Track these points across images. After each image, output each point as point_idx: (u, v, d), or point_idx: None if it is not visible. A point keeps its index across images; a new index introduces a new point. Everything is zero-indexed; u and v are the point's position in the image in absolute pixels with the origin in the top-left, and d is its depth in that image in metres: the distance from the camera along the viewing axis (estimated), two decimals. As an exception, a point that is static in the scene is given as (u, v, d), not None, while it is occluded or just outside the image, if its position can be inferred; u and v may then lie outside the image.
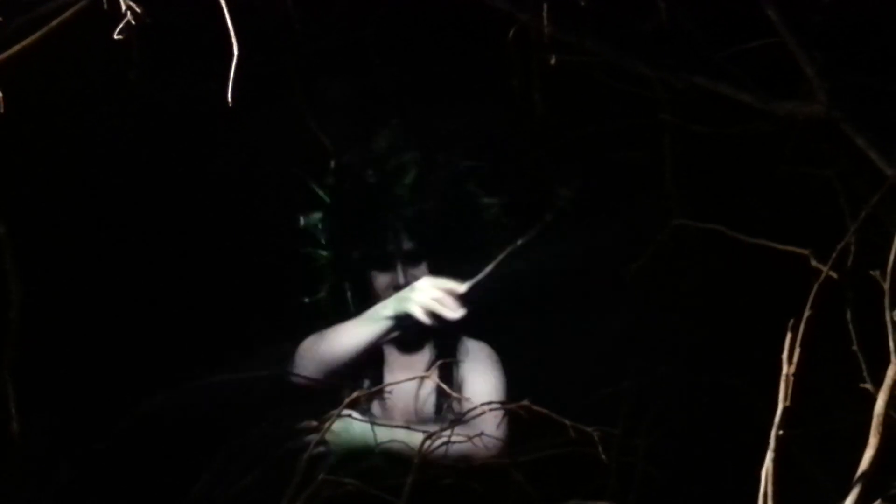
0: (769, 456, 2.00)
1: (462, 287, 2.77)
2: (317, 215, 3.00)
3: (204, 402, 2.81)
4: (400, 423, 2.78)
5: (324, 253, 2.99)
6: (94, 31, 2.09)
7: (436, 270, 2.89)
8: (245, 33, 2.06)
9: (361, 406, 2.78)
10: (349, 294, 2.99)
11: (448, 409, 2.86)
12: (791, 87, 2.58)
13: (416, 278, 2.86)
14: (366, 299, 2.93)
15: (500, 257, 2.78)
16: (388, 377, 2.92)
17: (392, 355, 2.97)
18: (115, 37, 2.05)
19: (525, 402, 2.50)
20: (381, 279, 2.92)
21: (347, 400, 2.57)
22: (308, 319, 2.97)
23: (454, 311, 2.77)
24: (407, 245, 2.90)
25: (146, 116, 3.08)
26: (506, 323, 3.04)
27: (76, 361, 3.09)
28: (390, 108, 3.09)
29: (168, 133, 3.13)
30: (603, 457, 2.42)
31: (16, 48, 2.10)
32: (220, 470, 2.69)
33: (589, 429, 2.46)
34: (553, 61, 2.52)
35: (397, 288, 2.88)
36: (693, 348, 3.04)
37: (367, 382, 2.90)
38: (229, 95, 2.07)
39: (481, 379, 2.91)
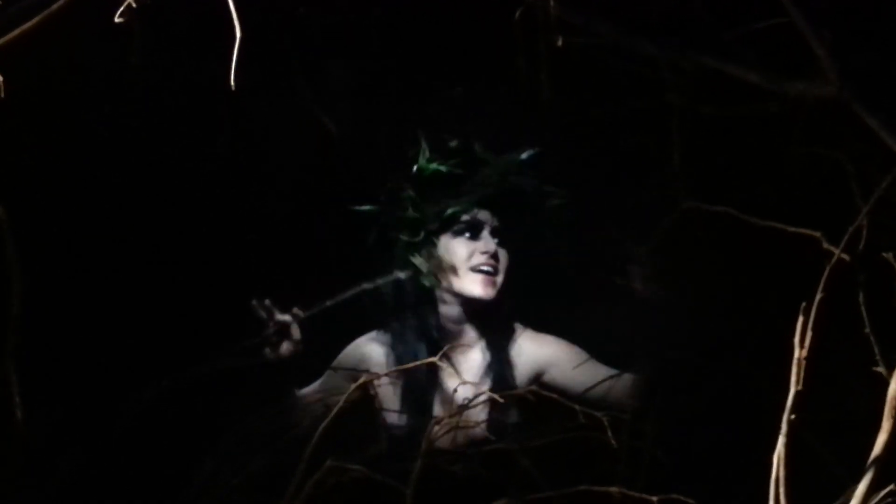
0: (781, 440, 1.99)
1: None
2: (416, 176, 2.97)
3: (208, 388, 2.79)
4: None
5: (412, 214, 2.97)
6: (95, 14, 2.06)
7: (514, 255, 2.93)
8: (247, 16, 2.03)
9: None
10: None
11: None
12: (801, 67, 2.55)
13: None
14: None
15: (344, 295, 2.88)
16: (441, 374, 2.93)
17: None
18: (116, 20, 2.03)
19: (533, 387, 2.48)
20: (465, 248, 2.92)
21: (354, 386, 2.55)
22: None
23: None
24: (494, 220, 2.93)
25: (148, 101, 3.06)
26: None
27: (80, 349, 3.08)
28: (393, 91, 3.08)
29: (170, 117, 3.10)
30: (612, 442, 2.40)
31: (16, 32, 2.08)
32: (224, 457, 2.68)
33: (598, 413, 2.45)
34: (560, 43, 2.50)
35: (485, 255, 2.90)
36: (703, 332, 3.02)
37: None
38: (232, 79, 2.05)
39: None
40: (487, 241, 2.92)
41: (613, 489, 2.28)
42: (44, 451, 2.72)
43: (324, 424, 2.46)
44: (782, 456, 1.98)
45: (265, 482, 2.60)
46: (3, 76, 2.07)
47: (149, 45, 2.25)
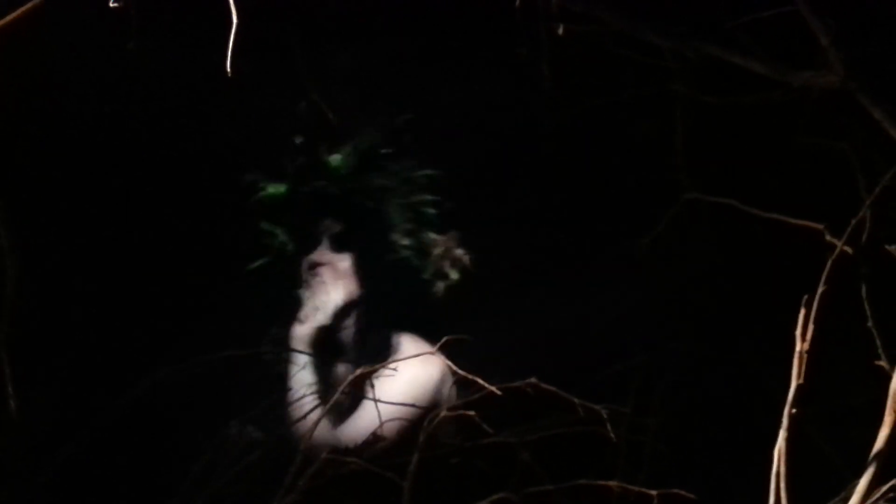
0: (782, 434, 1.98)
1: None
2: (273, 188, 2.93)
3: (205, 379, 2.78)
4: None
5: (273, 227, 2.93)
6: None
7: (363, 261, 2.86)
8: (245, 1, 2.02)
9: None
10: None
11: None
12: (806, 56, 2.53)
13: (333, 265, 2.85)
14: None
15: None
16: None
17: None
18: (112, 4, 2.02)
19: (532, 380, 2.47)
20: (307, 258, 2.89)
21: (348, 380, 2.54)
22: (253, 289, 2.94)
23: None
24: (331, 228, 2.88)
25: (145, 87, 3.04)
26: (509, 300, 3.01)
27: (76, 339, 3.07)
28: (392, 78, 3.05)
29: (167, 104, 3.09)
30: (612, 435, 2.38)
31: (10, 17, 2.06)
32: (220, 449, 2.67)
33: (598, 407, 2.43)
34: (561, 31, 2.48)
35: (311, 267, 2.86)
36: (704, 324, 3.01)
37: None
38: (228, 66, 2.04)
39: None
40: (317, 253, 2.87)
41: (613, 483, 2.27)
42: (38, 443, 2.72)
43: (319, 416, 2.45)
44: (783, 450, 1.97)
45: (262, 474, 2.59)
46: (-3, 61, 2.05)
47: (146, 30, 2.23)
